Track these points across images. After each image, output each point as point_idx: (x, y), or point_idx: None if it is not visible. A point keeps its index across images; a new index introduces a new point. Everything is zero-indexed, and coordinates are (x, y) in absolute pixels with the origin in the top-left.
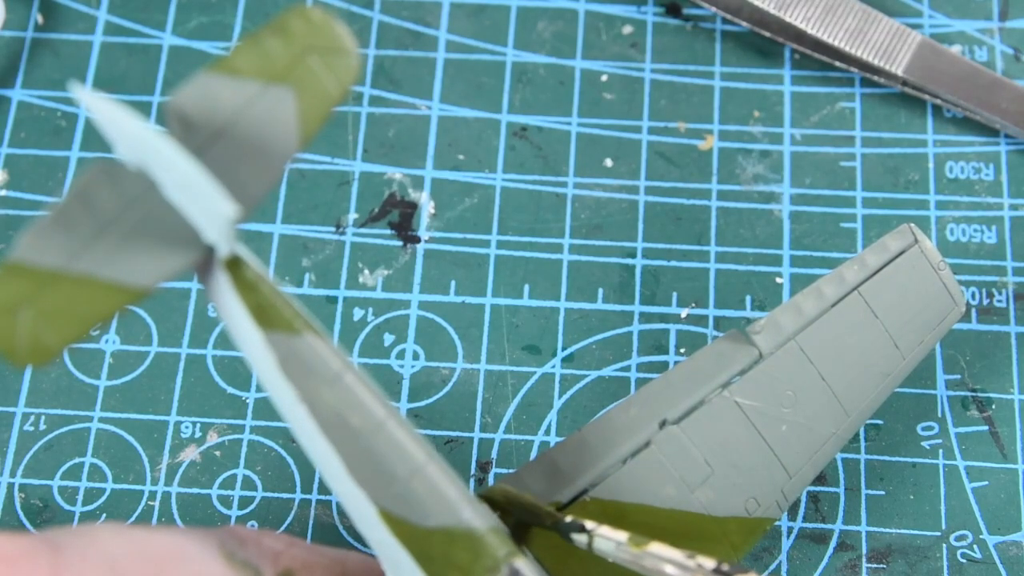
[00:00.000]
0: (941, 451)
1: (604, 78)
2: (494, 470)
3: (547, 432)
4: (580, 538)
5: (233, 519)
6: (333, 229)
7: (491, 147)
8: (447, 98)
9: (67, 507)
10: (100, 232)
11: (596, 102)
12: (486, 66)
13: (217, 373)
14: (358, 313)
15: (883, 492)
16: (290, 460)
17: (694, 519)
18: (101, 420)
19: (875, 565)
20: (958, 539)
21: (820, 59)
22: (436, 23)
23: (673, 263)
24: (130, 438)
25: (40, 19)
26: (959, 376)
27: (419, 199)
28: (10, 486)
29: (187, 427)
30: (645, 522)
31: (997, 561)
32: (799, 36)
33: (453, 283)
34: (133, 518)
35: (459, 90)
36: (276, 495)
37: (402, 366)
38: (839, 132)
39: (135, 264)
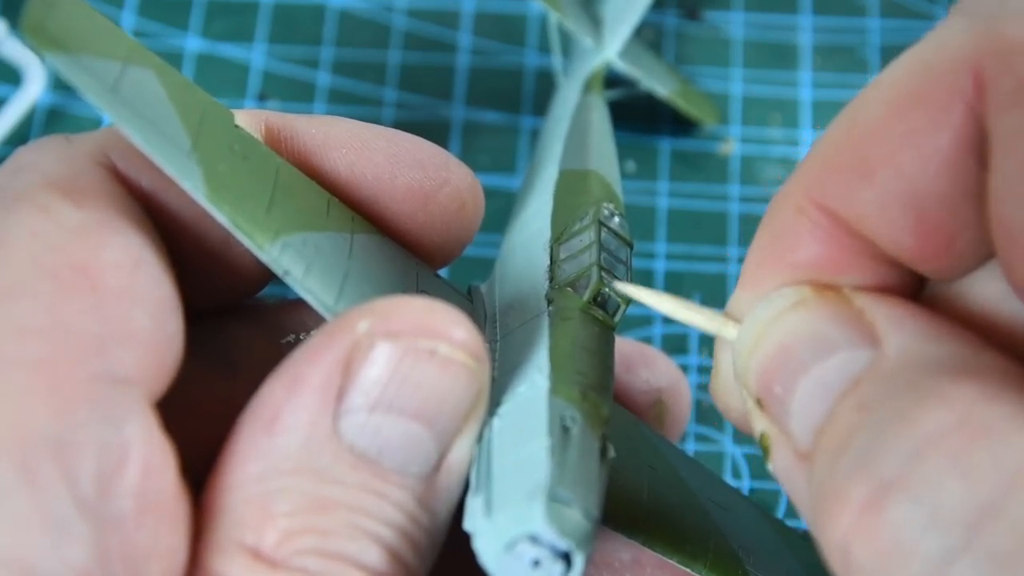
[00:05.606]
0: None
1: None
2: None
3: None
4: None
5: None
6: None
7: (511, 149)
8: (470, 101)
9: None
10: None
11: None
12: (507, 70)
13: None
14: None
15: None
16: None
17: None
18: None
19: None
20: None
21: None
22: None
23: (695, 265)
24: None
25: None
26: None
27: None
28: None
29: None
30: None
31: None
32: None
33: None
34: None
35: (480, 93)
36: None
37: None
38: None
39: None
